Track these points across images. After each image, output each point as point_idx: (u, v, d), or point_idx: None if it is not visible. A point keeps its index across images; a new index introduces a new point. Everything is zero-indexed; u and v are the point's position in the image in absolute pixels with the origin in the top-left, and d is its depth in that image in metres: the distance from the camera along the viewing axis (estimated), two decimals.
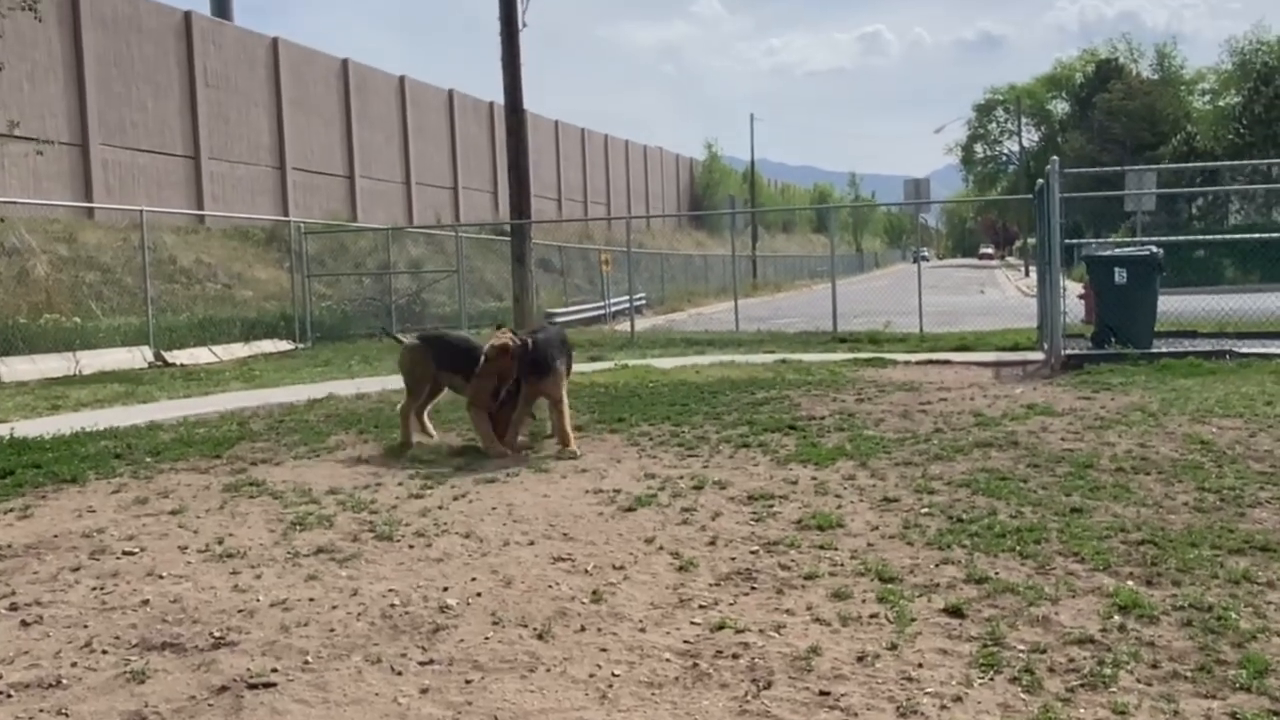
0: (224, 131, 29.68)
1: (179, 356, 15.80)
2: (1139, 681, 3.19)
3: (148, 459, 7.03)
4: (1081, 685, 3.17)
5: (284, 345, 18.44)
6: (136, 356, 15.41)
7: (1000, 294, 35.87)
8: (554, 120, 51.32)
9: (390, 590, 4.18)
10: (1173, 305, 13.81)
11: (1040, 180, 13.86)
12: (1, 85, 21.27)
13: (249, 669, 3.41)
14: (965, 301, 28.82)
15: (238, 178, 30.13)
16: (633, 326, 20.75)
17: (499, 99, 19.14)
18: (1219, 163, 33.28)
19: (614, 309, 27.75)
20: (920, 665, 3.36)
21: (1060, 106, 68.60)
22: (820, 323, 19.16)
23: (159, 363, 15.40)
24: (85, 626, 3.83)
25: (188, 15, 28.80)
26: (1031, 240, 46.92)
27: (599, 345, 16.85)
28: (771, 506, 5.47)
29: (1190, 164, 35.21)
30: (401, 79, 39.22)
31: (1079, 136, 53.97)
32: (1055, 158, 12.60)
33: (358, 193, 35.29)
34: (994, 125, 73.81)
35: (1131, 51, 62.54)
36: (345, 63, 35.64)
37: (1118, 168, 20.20)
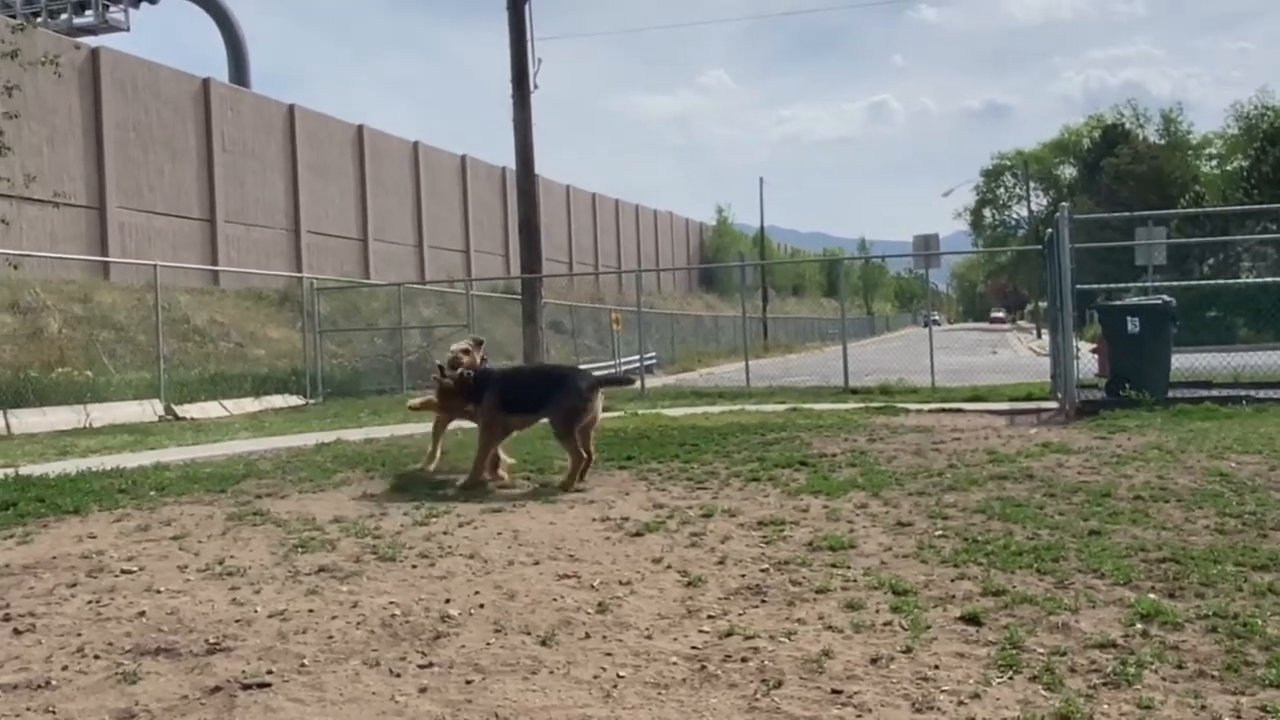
0: (240, 195, 30.11)
1: (190, 410, 15.81)
2: (1164, 680, 3.07)
3: (152, 493, 6.97)
4: (1104, 684, 3.05)
5: (294, 400, 18.44)
6: (147, 410, 15.42)
7: (1012, 354, 35.74)
8: (565, 185, 51.95)
9: (391, 603, 4.08)
10: (1186, 362, 13.73)
11: (1049, 230, 13.89)
12: (21, 147, 21.65)
13: (244, 671, 3.32)
14: (977, 361, 28.67)
15: (253, 240, 30.49)
16: (643, 382, 20.69)
17: (511, 164, 19.39)
18: (1230, 207, 33.25)
19: (625, 368, 27.77)
20: (936, 667, 3.24)
21: (1068, 171, 69.08)
22: (832, 379, 19.05)
23: (169, 416, 15.40)
24: (79, 635, 3.75)
25: (206, 82, 29.42)
26: (1043, 303, 46.89)
27: (609, 399, 16.77)
28: (782, 531, 5.37)
29: (1200, 208, 35.21)
30: (415, 145, 39.85)
31: (1087, 200, 54.24)
32: (1065, 204, 12.62)
33: (371, 255, 35.64)
34: (1002, 190, 74.25)
35: (1138, 117, 63.08)
36: (360, 129, 36.26)
37: (1128, 213, 20.19)
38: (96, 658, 3.50)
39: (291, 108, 32.91)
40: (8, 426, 13.12)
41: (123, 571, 4.69)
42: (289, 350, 23.01)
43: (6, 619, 3.96)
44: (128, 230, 26.22)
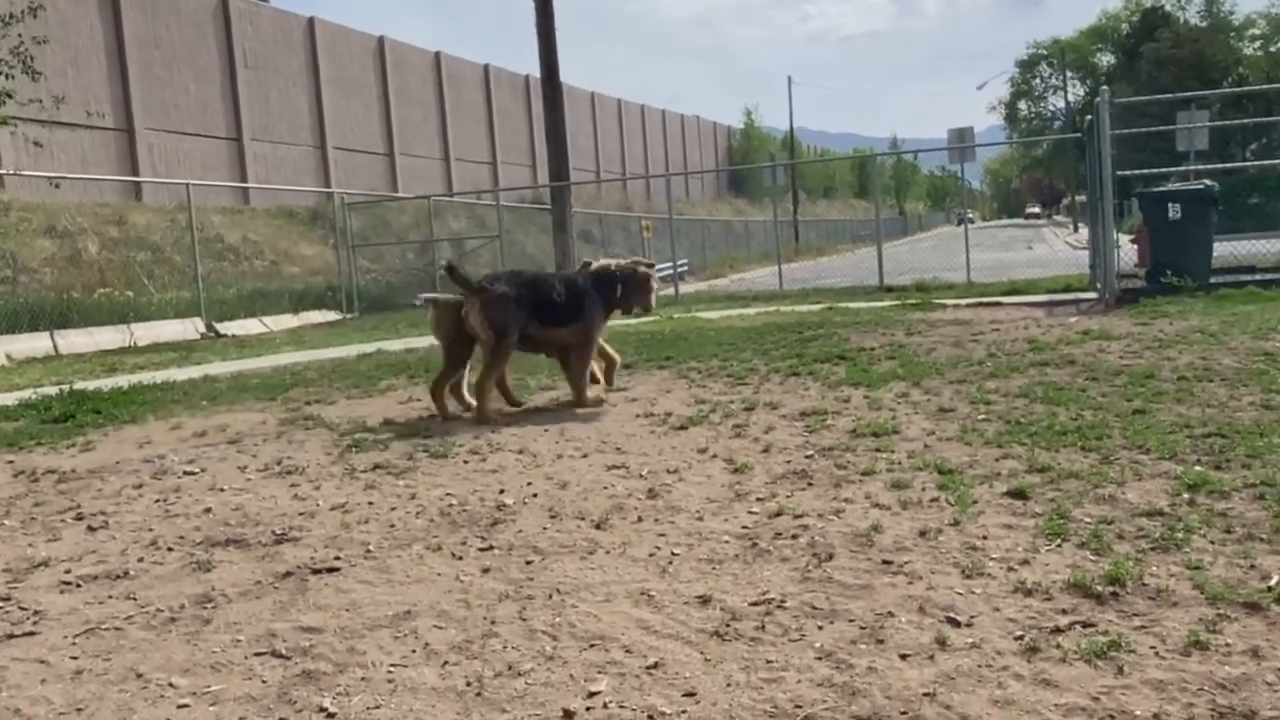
0: (265, 112, 29.95)
1: (230, 327, 16.03)
2: (1212, 543, 3.12)
3: (204, 402, 7.14)
4: (1153, 549, 3.10)
5: (332, 315, 18.63)
6: (189, 328, 15.65)
7: (1049, 249, 35.21)
8: (590, 91, 51.16)
9: (448, 494, 4.20)
10: (1229, 249, 13.49)
11: (1089, 117, 13.56)
12: (47, 70, 21.56)
13: (312, 558, 3.45)
14: (1013, 257, 28.32)
15: (280, 158, 30.41)
16: (676, 288, 20.68)
17: (535, 72, 19.06)
18: (1275, 84, 32.00)
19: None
20: (985, 537, 3.31)
21: (1106, 59, 67.02)
22: (866, 279, 18.91)
23: (211, 334, 15.62)
24: (150, 530, 3.90)
25: None
26: (1080, 197, 45.93)
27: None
28: (825, 420, 5.42)
29: (1246, 88, 33.94)
30: (437, 55, 39.29)
31: (1127, 88, 52.74)
32: (1105, 88, 12.31)
33: (398, 170, 35.48)
34: (1038, 81, 72.26)
35: None
36: (381, 40, 35.76)
37: (1169, 95, 19.56)
38: (170, 550, 3.64)
39: (311, 20, 32.47)
40: (55, 347, 13.39)
41: (185, 473, 4.85)
42: (323, 267, 23.15)
43: (79, 518, 4.12)
44: (157, 151, 26.23)
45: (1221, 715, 2.12)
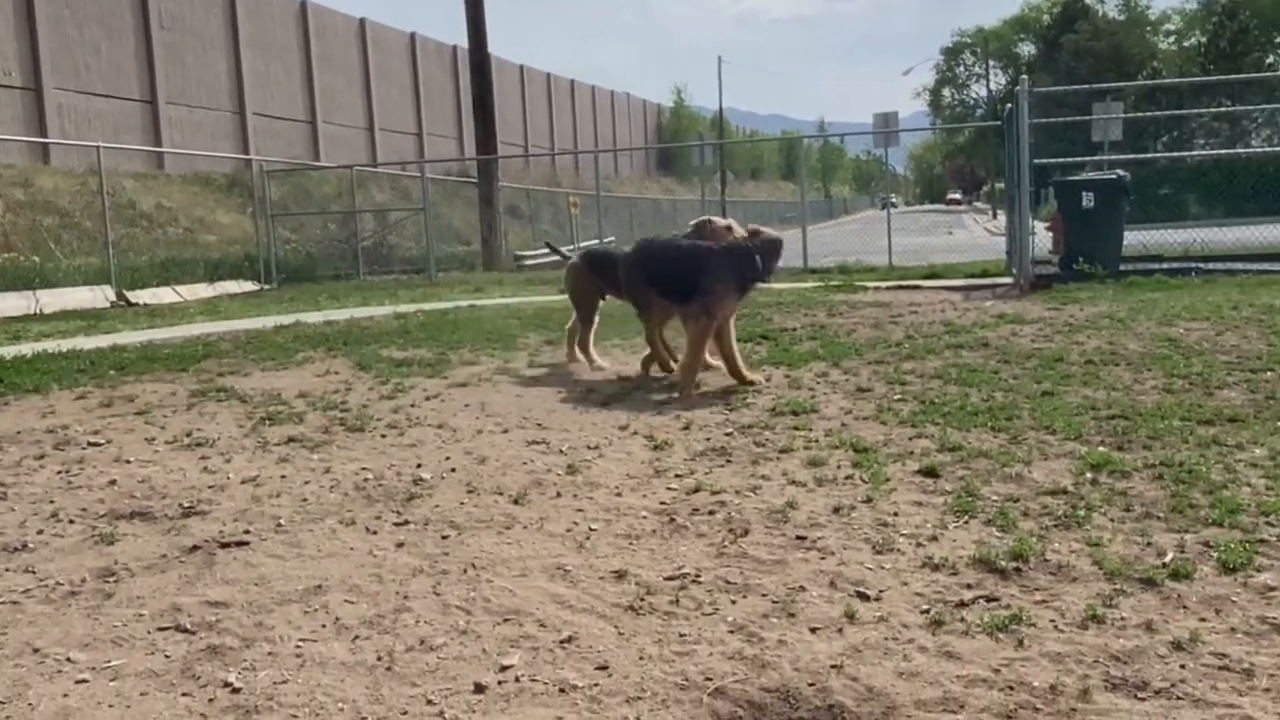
0: (181, 75, 29.01)
1: (142, 296, 15.55)
2: (1112, 521, 3.22)
3: (111, 372, 6.91)
4: (1056, 526, 3.20)
5: (249, 285, 18.19)
6: (98, 296, 15.15)
7: (968, 234, 35.94)
8: (519, 65, 50.61)
9: (363, 469, 4.14)
10: (1139, 238, 13.93)
11: (1008, 105, 13.83)
12: None
13: (221, 532, 3.37)
14: (934, 241, 28.83)
15: (197, 122, 29.53)
16: None
17: (463, 42, 18.74)
18: (1185, 78, 33.12)
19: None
20: (895, 514, 3.37)
21: (1027, 49, 68.36)
22: (791, 260, 19.02)
23: (121, 302, 15.14)
24: (51, 502, 3.77)
25: None
26: (1000, 184, 47.02)
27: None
28: (745, 398, 5.47)
29: (1160, 81, 35.02)
30: (362, 21, 38.45)
31: (1046, 78, 53.90)
32: (1025, 77, 12.57)
33: (320, 138, 34.72)
34: (962, 69, 73.48)
35: None
36: (304, 4, 34.85)
37: (1086, 86, 20.09)
38: (71, 522, 3.53)
39: None
40: None
41: (90, 444, 4.70)
42: (240, 236, 22.58)
43: None
44: (66, 112, 25.24)
45: (1115, 686, 2.20)
